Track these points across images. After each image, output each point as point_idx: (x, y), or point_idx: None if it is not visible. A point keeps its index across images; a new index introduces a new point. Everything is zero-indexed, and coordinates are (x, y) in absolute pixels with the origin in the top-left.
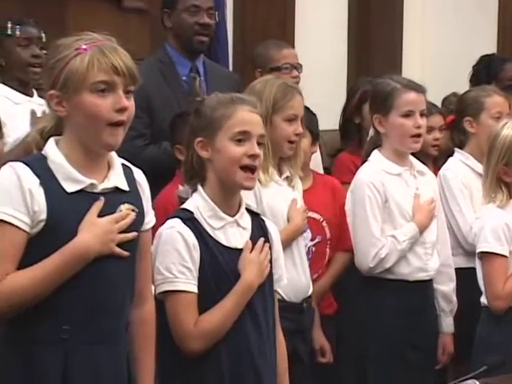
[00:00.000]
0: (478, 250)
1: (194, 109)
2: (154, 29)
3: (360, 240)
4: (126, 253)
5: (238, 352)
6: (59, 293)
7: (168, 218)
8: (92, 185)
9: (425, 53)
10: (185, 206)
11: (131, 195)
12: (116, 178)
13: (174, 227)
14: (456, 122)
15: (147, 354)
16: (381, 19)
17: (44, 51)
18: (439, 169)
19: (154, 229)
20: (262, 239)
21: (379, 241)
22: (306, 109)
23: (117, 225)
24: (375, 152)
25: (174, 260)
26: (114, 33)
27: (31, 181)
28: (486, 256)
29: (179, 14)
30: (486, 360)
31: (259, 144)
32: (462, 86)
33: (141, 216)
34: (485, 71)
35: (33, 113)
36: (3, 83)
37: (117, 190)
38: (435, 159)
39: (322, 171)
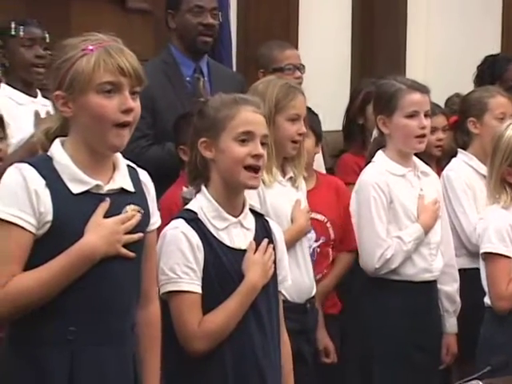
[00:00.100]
0: (481, 251)
1: (197, 109)
2: (157, 30)
3: (365, 241)
4: (132, 254)
5: (242, 352)
6: (65, 294)
7: (172, 219)
8: (98, 186)
9: (429, 53)
10: (189, 206)
11: (137, 196)
12: (121, 179)
13: (178, 228)
14: (459, 123)
15: (153, 355)
16: (384, 20)
17: (48, 51)
18: (442, 169)
19: (159, 229)
20: (266, 240)
21: (385, 242)
22: (309, 109)
23: (123, 226)
24: (379, 153)
25: (178, 260)
26: (118, 34)
27: (37, 182)
28: (489, 257)
29: (183, 15)
30: (489, 361)
31: (263, 144)
32: (466, 86)
33: (146, 217)
34: (489, 72)
35: (36, 114)
36: (7, 84)
37: (122, 191)
38: (438, 160)
39: (324, 172)
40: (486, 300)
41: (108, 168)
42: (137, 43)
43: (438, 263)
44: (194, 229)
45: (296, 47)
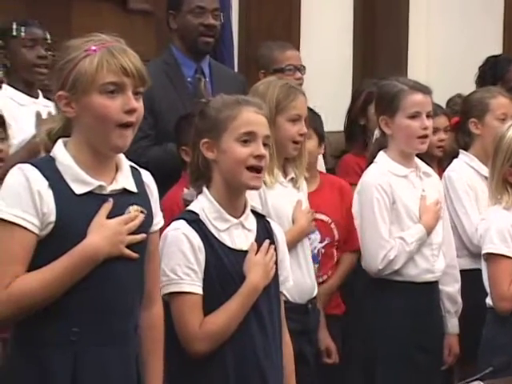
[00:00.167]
0: (483, 252)
1: (199, 110)
2: (159, 30)
3: (368, 242)
4: (135, 254)
5: (244, 354)
6: (68, 295)
7: (173, 220)
8: (100, 187)
9: (430, 54)
10: (190, 207)
11: (139, 197)
12: (124, 180)
13: (180, 229)
14: (461, 124)
15: (156, 357)
16: (386, 21)
17: (49, 52)
18: (444, 170)
19: (160, 230)
20: (267, 241)
21: (388, 243)
22: (311, 110)
23: (126, 226)
24: (381, 153)
25: (180, 262)
26: (120, 34)
27: (40, 182)
28: (491, 257)
29: (184, 16)
30: (491, 361)
31: (265, 145)
32: (468, 87)
33: (149, 217)
34: (491, 72)
35: (38, 114)
36: (9, 84)
37: (125, 191)
38: (440, 160)
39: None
40: (488, 301)
41: (111, 169)
42: (138, 44)
43: (439, 264)
44: (195, 230)
45: (298, 48)
